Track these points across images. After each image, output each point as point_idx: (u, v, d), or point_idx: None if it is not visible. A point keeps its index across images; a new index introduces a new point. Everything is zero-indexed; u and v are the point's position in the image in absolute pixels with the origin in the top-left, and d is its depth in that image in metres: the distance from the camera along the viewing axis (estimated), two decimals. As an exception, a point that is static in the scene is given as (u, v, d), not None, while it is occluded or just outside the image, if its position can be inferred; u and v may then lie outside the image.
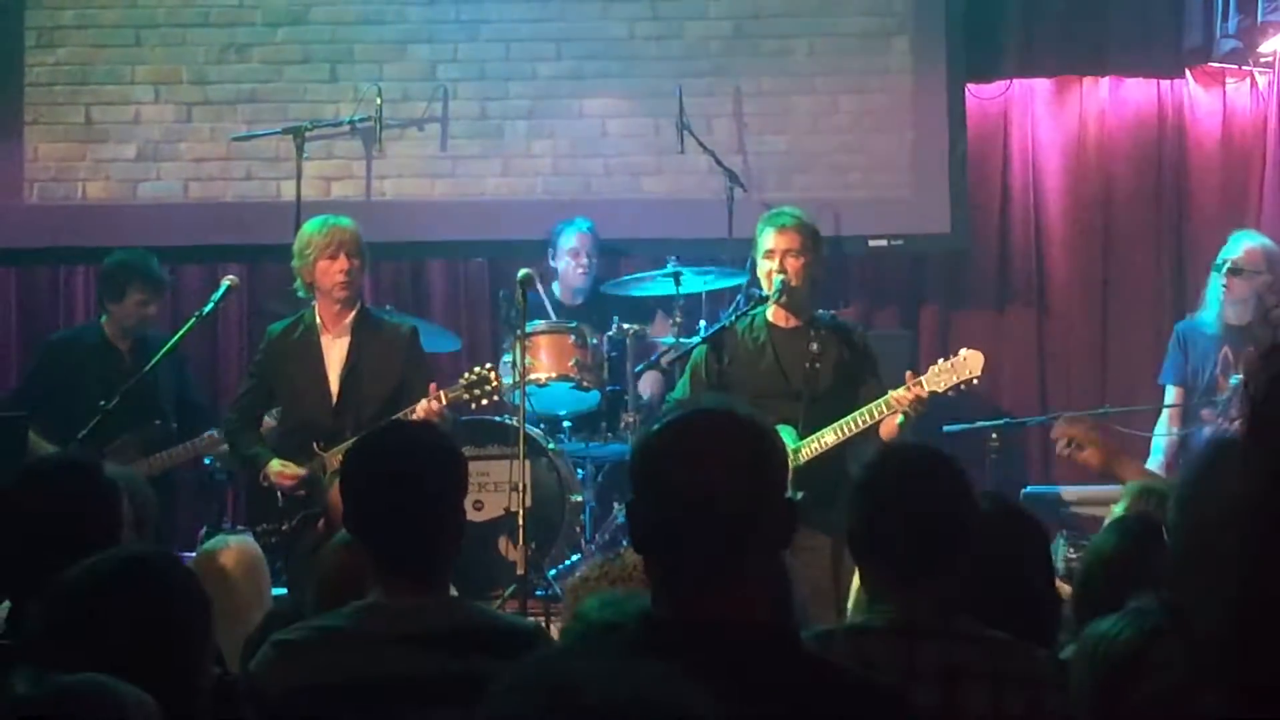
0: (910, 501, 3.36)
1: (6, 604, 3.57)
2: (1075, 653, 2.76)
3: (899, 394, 6.43)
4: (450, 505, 3.49)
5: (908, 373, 6.54)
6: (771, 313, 6.79)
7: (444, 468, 3.50)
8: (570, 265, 8.26)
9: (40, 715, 2.23)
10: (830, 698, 2.46)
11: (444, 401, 6.78)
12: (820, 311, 6.94)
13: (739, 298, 7.37)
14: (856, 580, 4.22)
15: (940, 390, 6.49)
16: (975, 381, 6.55)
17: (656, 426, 2.56)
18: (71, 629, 2.74)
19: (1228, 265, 7.65)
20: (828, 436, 6.50)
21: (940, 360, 6.59)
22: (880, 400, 6.46)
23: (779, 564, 2.58)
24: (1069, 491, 7.34)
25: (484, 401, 6.93)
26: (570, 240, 8.26)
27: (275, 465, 7.00)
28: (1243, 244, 7.71)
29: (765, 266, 6.78)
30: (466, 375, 6.94)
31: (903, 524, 3.34)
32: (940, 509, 3.37)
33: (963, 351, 6.59)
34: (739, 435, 2.50)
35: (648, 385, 7.93)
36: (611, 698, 1.57)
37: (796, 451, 6.44)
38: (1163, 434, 7.73)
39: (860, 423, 6.47)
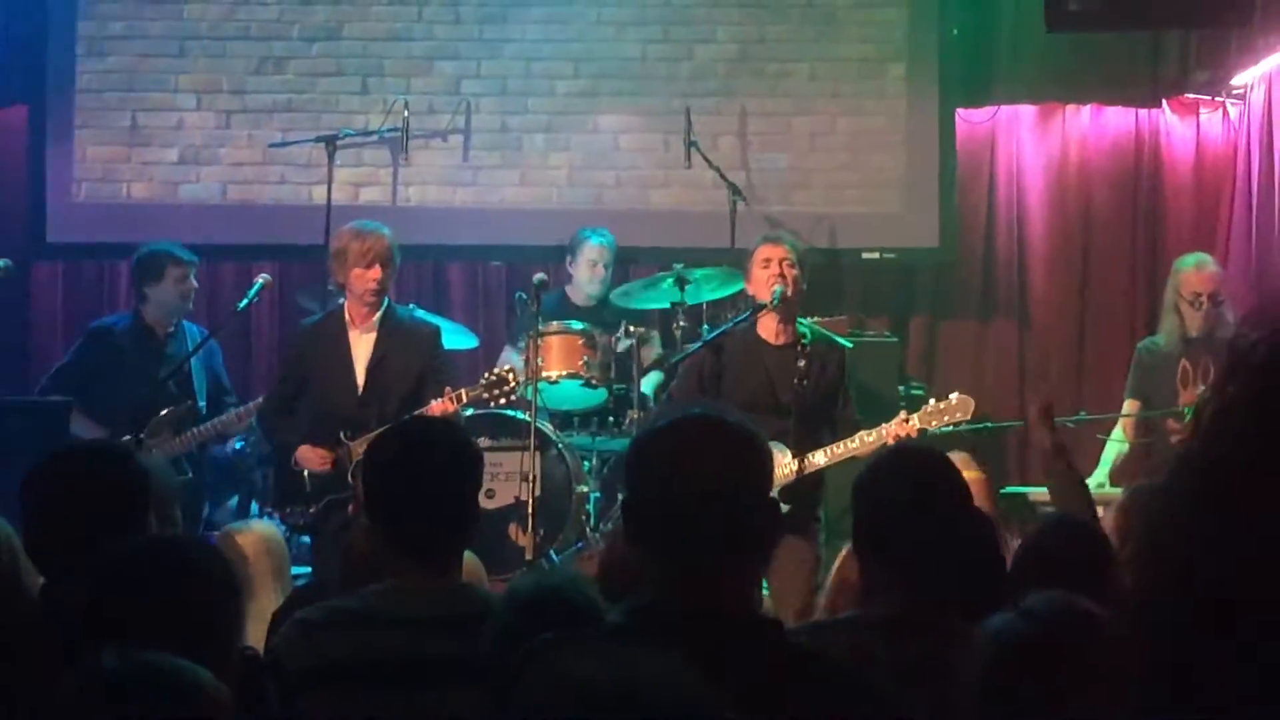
0: (911, 502, 3.33)
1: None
2: (975, 646, 2.75)
3: (891, 428, 6.47)
4: (465, 497, 3.51)
5: (901, 411, 6.60)
6: (762, 326, 6.81)
7: (461, 462, 3.52)
8: (587, 274, 8.25)
9: (130, 688, 2.23)
10: (810, 686, 2.47)
11: (464, 400, 6.81)
12: (805, 320, 6.96)
13: (748, 313, 7.30)
14: (830, 576, 4.23)
15: (930, 428, 6.52)
16: (964, 423, 6.60)
17: (653, 427, 2.59)
18: (112, 610, 2.74)
19: (1203, 299, 7.59)
20: (818, 458, 6.54)
21: (933, 401, 6.63)
22: (874, 430, 6.50)
23: (763, 561, 2.60)
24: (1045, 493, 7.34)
25: (502, 401, 6.96)
26: (592, 251, 8.25)
27: (305, 449, 7.03)
28: (1205, 271, 7.68)
29: (763, 276, 6.82)
30: (486, 376, 6.96)
31: (902, 523, 3.32)
32: (939, 510, 3.35)
33: (954, 395, 6.62)
34: (730, 438, 2.53)
35: (650, 384, 7.93)
36: (618, 690, 1.58)
37: (786, 468, 6.45)
38: (1116, 439, 7.76)
39: (849, 448, 6.51)
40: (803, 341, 6.77)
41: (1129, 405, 7.87)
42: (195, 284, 7.89)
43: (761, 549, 2.59)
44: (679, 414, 2.59)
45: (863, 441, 6.49)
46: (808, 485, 6.52)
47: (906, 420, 6.53)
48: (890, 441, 6.41)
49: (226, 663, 2.79)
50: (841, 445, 6.54)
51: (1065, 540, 3.56)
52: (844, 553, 4.21)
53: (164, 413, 7.43)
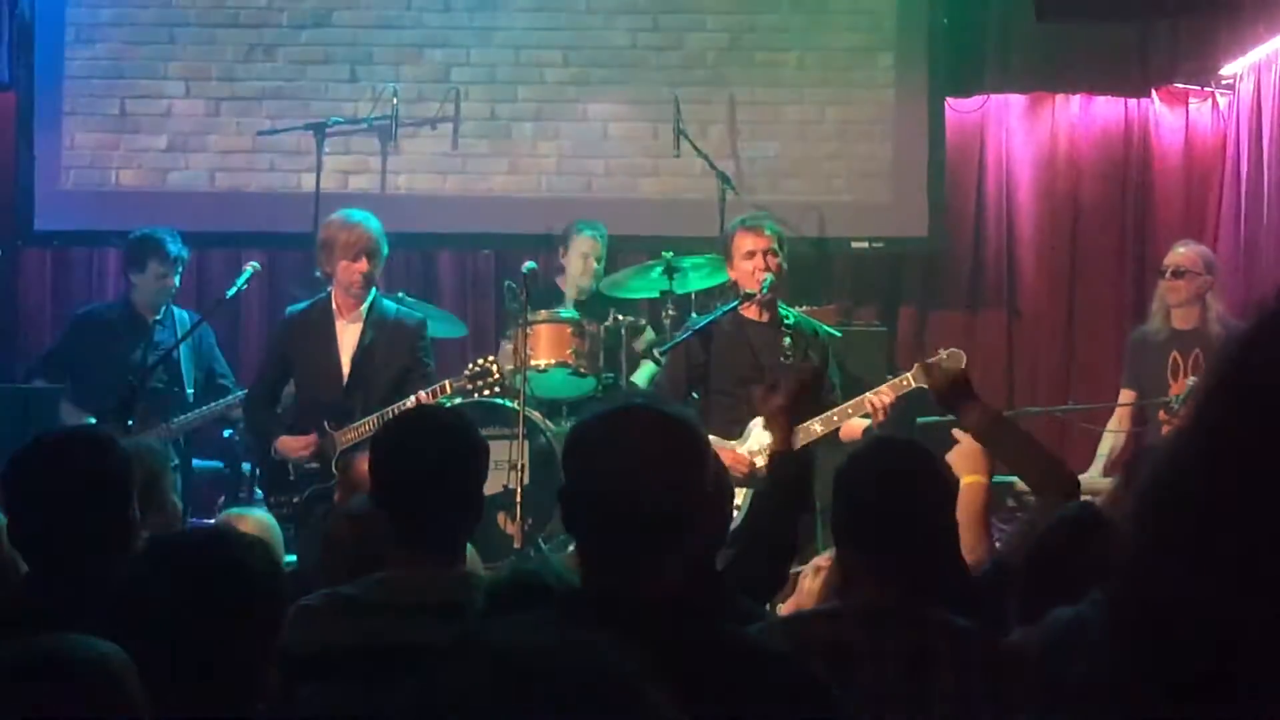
0: (891, 493, 3.33)
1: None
2: (1039, 638, 2.75)
3: (883, 387, 6.49)
4: (472, 487, 3.52)
5: (902, 373, 6.60)
6: (744, 307, 6.85)
7: (470, 453, 3.53)
8: (580, 266, 8.24)
9: (29, 670, 2.19)
10: (734, 673, 2.47)
11: (448, 391, 6.80)
12: (792, 310, 6.99)
13: (735, 302, 7.29)
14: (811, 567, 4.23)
15: (926, 385, 6.51)
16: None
17: (588, 418, 2.61)
18: (155, 602, 2.70)
19: (1170, 269, 7.68)
20: (815, 426, 6.54)
21: (914, 371, 6.62)
22: (875, 392, 6.51)
23: (705, 550, 2.61)
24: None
25: (485, 392, 6.95)
26: (584, 244, 8.23)
27: (285, 438, 7.02)
28: (1182, 248, 7.76)
29: (747, 267, 6.84)
30: (471, 366, 6.95)
31: (882, 514, 3.32)
32: (919, 502, 3.34)
33: (943, 351, 6.61)
34: (663, 431, 2.54)
35: (645, 376, 7.91)
36: (545, 663, 1.58)
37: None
38: (1111, 430, 7.78)
39: (849, 413, 6.53)
40: (785, 322, 6.84)
41: (1125, 396, 7.87)
42: (176, 283, 7.80)
43: (688, 538, 2.59)
44: (616, 404, 2.63)
45: (859, 406, 6.52)
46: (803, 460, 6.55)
47: (901, 379, 6.53)
48: (883, 399, 6.43)
49: (270, 657, 2.76)
50: (839, 412, 6.55)
51: (1070, 541, 3.53)
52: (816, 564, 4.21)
53: (144, 404, 7.39)
